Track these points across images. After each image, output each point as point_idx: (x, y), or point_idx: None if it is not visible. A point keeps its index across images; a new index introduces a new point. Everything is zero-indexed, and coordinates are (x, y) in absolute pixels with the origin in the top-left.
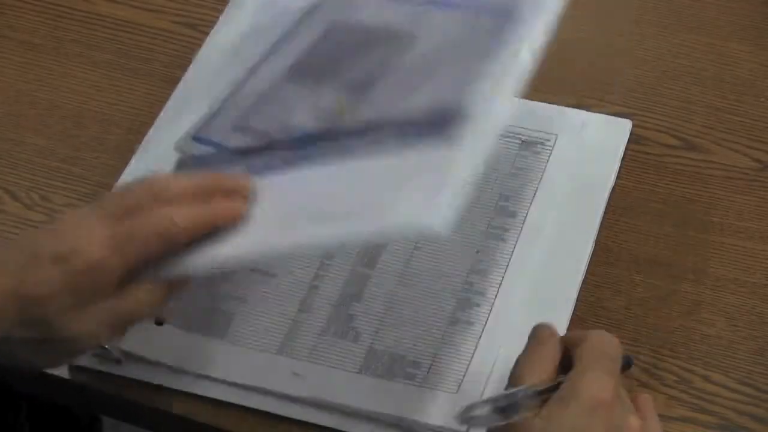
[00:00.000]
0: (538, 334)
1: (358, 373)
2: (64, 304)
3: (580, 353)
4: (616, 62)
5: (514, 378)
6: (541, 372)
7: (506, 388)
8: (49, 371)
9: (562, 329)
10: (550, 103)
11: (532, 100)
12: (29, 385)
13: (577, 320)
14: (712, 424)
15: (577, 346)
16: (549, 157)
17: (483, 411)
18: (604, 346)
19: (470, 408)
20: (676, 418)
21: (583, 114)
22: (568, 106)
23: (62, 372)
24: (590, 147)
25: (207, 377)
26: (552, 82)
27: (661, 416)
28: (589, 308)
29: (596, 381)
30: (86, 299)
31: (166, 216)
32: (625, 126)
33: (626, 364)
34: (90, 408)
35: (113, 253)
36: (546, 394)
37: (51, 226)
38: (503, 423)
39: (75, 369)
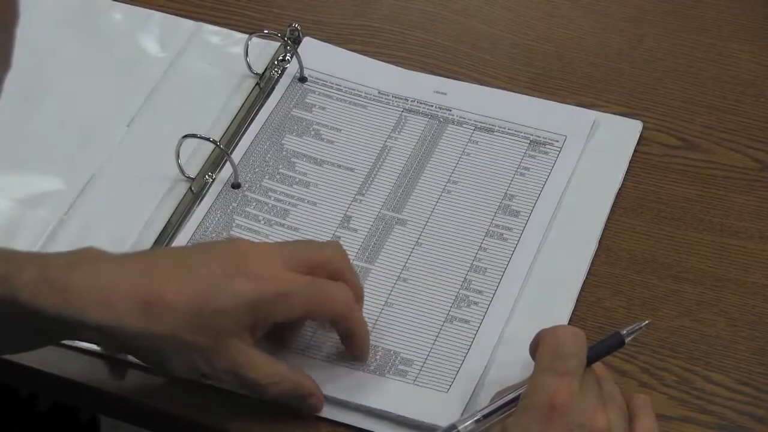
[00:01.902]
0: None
1: (350, 367)
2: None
3: (537, 357)
4: (616, 62)
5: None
6: (510, 390)
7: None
8: (48, 370)
9: None
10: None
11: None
12: (30, 385)
13: (577, 320)
14: (712, 424)
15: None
16: (557, 157)
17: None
18: (557, 345)
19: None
20: (676, 418)
21: (593, 114)
22: (568, 105)
23: (62, 372)
24: (599, 147)
25: None
26: (552, 82)
27: (661, 416)
28: (589, 308)
29: (549, 384)
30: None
31: (349, 298)
32: (635, 127)
33: (617, 343)
34: (90, 408)
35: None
36: (499, 414)
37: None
38: None
39: (75, 366)
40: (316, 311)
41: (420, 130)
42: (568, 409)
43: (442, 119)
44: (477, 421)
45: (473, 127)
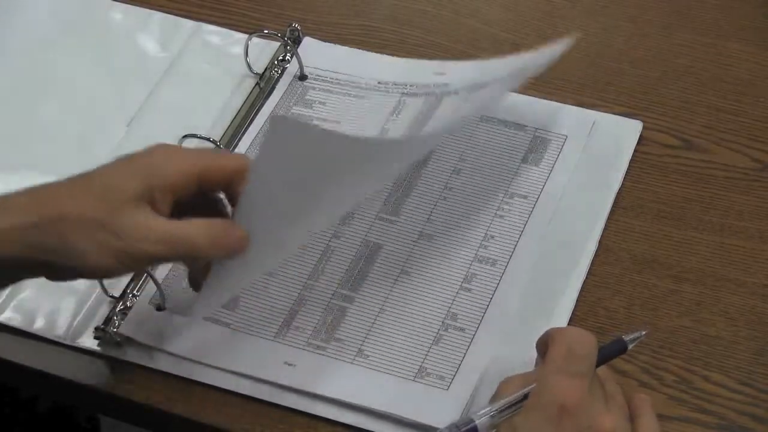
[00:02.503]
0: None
1: (351, 363)
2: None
3: (548, 357)
4: (616, 62)
5: (493, 398)
6: (517, 383)
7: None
8: (48, 371)
9: None
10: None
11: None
12: (30, 386)
13: (577, 320)
14: (712, 424)
15: (547, 349)
16: (557, 157)
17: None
18: (570, 346)
19: (454, 426)
20: (676, 418)
21: (593, 114)
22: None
23: (62, 372)
24: (599, 147)
25: (204, 364)
26: (552, 82)
27: (661, 416)
28: (589, 308)
29: (559, 386)
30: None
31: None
32: (635, 127)
33: (620, 349)
34: (90, 408)
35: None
36: (513, 408)
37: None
38: None
39: (75, 366)
40: (211, 167)
41: (417, 108)
42: (578, 410)
43: (438, 94)
44: (492, 416)
45: (476, 120)
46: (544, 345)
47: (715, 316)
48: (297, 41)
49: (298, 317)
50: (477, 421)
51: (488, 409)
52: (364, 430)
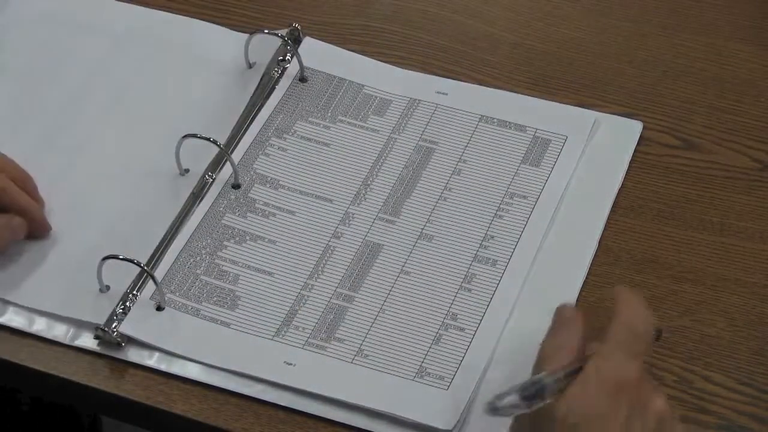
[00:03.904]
0: (561, 315)
1: (350, 363)
2: None
3: (609, 332)
4: (616, 62)
5: (539, 363)
6: (566, 354)
7: (532, 375)
8: (49, 371)
9: None
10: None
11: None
12: (30, 386)
13: None
14: (712, 424)
15: (608, 323)
16: (557, 157)
17: (510, 400)
18: (634, 324)
19: (498, 397)
20: (676, 418)
21: (593, 114)
22: (569, 106)
23: (62, 372)
24: (599, 147)
25: (205, 364)
26: (552, 82)
27: None
28: (589, 308)
29: (621, 362)
30: None
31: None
32: (635, 127)
33: (656, 335)
34: (90, 408)
35: None
36: (571, 377)
37: None
38: (529, 410)
39: (75, 366)
40: (6, 189)
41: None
42: (634, 389)
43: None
44: (557, 380)
45: (476, 120)
46: (598, 316)
47: (715, 316)
48: (297, 41)
49: (298, 317)
50: (545, 382)
51: (554, 374)
52: (364, 430)
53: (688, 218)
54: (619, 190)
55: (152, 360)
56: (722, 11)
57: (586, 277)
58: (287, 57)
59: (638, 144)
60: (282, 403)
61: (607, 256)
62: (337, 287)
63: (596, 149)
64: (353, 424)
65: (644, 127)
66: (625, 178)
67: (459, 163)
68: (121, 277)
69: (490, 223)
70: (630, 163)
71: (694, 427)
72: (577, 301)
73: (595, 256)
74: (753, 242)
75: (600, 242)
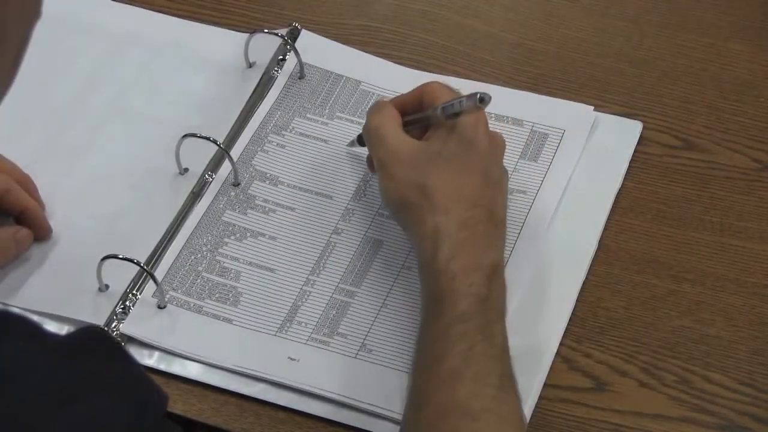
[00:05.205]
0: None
1: (354, 358)
2: None
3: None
4: (616, 62)
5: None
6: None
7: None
8: None
9: (561, 329)
10: None
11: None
12: None
13: (577, 320)
14: (712, 424)
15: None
16: (555, 153)
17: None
18: (483, 120)
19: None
20: (676, 418)
21: (593, 113)
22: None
23: None
24: (599, 147)
25: (206, 363)
26: (552, 82)
27: (661, 416)
28: (589, 308)
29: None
30: None
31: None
32: (635, 127)
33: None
34: None
35: None
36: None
37: None
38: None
39: None
40: (10, 191)
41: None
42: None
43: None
44: (445, 107)
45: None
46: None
47: (715, 316)
48: (296, 39)
49: (301, 312)
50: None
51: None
52: (364, 430)
53: (688, 218)
54: (619, 190)
55: (152, 360)
56: (722, 11)
57: (586, 277)
58: (287, 57)
59: (638, 144)
60: (282, 403)
61: (607, 256)
62: (339, 283)
63: (596, 149)
64: (353, 424)
65: (644, 127)
66: (625, 178)
67: None
68: (121, 276)
69: None
70: (630, 163)
71: (693, 426)
72: (576, 301)
73: (595, 256)
74: (753, 242)
75: (600, 242)
